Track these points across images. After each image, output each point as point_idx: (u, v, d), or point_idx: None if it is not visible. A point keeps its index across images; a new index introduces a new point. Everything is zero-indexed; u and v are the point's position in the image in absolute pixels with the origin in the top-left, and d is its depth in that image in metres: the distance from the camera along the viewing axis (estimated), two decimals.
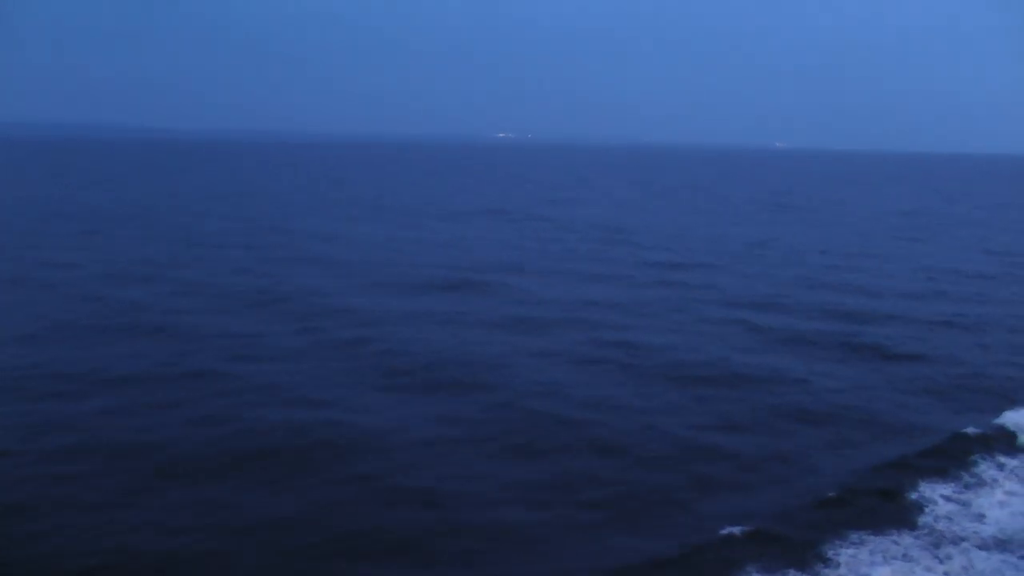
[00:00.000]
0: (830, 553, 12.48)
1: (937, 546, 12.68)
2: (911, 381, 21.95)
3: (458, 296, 32.33)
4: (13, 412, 18.09)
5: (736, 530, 13.16)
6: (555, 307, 30.45)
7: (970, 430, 17.33)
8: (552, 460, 16.30)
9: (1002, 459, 15.91)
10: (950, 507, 13.85)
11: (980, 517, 13.49)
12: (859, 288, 35.55)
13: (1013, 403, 19.33)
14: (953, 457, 15.96)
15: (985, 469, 15.37)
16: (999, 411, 18.68)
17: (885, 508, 13.96)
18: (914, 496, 14.27)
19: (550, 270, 38.96)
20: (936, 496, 14.20)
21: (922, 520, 13.47)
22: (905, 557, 12.37)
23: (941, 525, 13.24)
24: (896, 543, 12.75)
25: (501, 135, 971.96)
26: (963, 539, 12.79)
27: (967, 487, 14.59)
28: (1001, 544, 12.73)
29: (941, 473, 15.19)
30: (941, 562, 12.24)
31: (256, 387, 20.08)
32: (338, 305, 29.74)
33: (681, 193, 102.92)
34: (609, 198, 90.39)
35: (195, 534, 13.16)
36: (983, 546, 12.68)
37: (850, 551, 12.53)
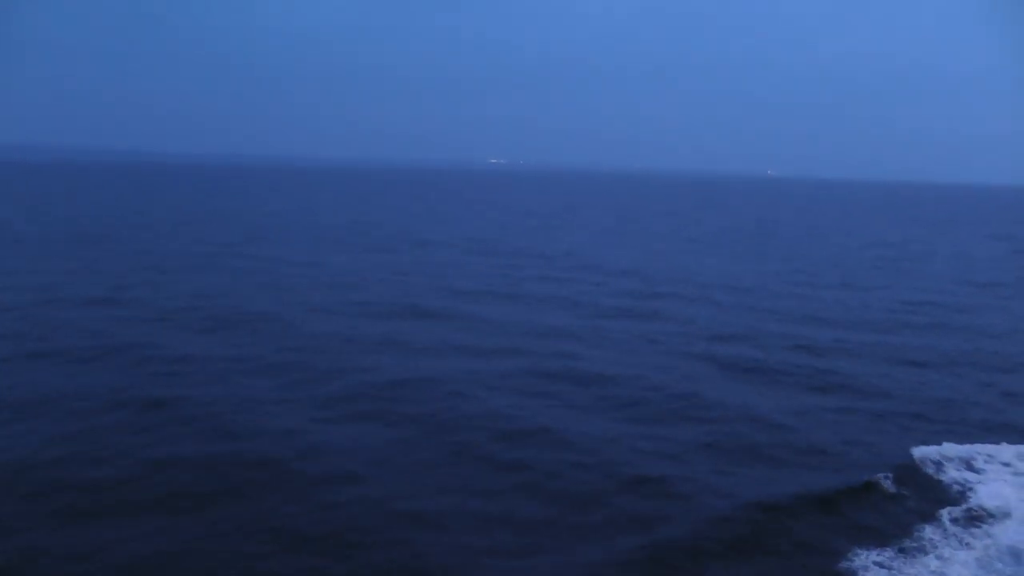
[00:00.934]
0: None
1: None
2: (872, 417, 20.92)
3: (417, 323, 31.53)
4: None
5: None
6: (513, 336, 29.62)
7: (911, 479, 16.19)
8: (487, 493, 15.66)
9: (944, 513, 14.57)
10: (882, 573, 12.52)
11: None
12: (832, 320, 34.52)
13: (967, 441, 18.28)
14: (889, 510, 14.77)
15: (927, 532, 13.95)
16: (954, 451, 17.58)
17: (813, 568, 12.67)
18: (845, 563, 12.94)
19: (514, 298, 38.05)
20: (869, 562, 12.90)
21: None
22: None
23: None
24: None
25: (493, 161, 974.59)
26: None
27: (903, 551, 13.23)
28: None
29: (876, 534, 13.90)
30: None
31: (198, 415, 19.40)
32: (290, 331, 29.07)
33: (663, 221, 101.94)
34: (588, 226, 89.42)
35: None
36: None
37: None
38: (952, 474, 16.35)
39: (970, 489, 15.61)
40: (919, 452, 17.41)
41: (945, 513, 14.64)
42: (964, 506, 14.89)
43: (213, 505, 14.70)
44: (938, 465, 16.73)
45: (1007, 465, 16.66)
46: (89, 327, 28.61)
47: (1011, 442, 18.37)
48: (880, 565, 12.79)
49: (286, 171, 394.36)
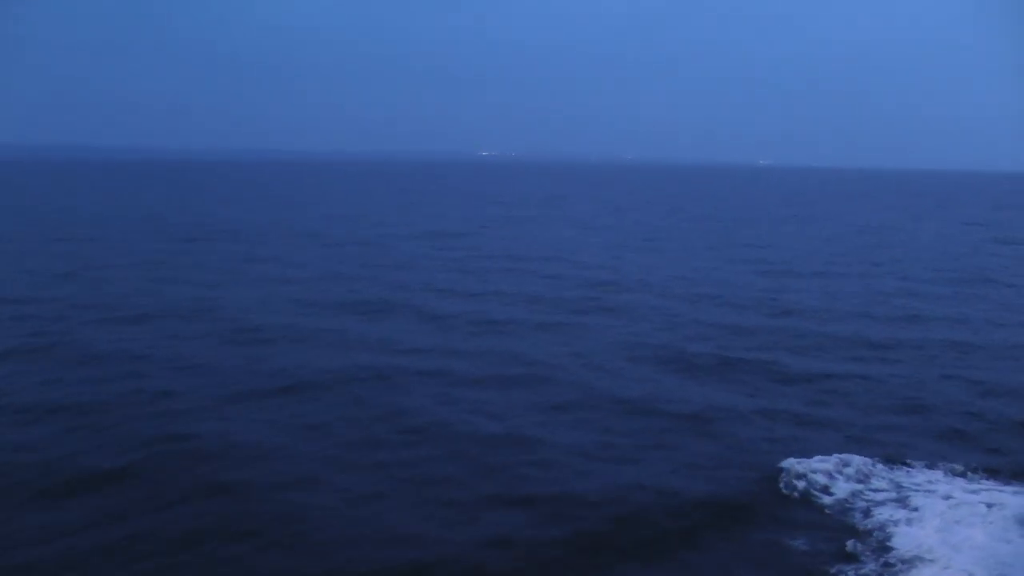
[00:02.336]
0: None
1: None
2: (814, 429, 18.74)
3: (355, 319, 30.23)
4: None
5: None
6: (455, 332, 28.31)
7: (831, 513, 14.21)
8: (377, 495, 14.71)
9: (856, 561, 12.38)
10: None
11: None
12: (800, 312, 32.80)
13: (913, 458, 16.48)
14: (796, 553, 12.81)
15: None
16: (889, 476, 15.57)
17: None
18: None
19: (472, 294, 36.31)
20: None
21: None
22: None
23: None
24: None
25: (485, 153, 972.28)
26: None
27: None
28: None
29: None
30: None
31: (92, 415, 18.60)
32: (221, 326, 28.05)
33: (645, 211, 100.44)
34: (566, 217, 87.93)
35: None
36: None
37: None
38: (880, 514, 13.75)
39: (894, 528, 13.18)
40: (848, 486, 15.00)
41: (856, 562, 12.41)
42: (882, 548, 12.66)
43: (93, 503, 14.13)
44: (864, 496, 14.43)
45: (947, 498, 14.13)
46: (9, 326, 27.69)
47: (960, 457, 16.49)
48: None
49: (280, 165, 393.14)
